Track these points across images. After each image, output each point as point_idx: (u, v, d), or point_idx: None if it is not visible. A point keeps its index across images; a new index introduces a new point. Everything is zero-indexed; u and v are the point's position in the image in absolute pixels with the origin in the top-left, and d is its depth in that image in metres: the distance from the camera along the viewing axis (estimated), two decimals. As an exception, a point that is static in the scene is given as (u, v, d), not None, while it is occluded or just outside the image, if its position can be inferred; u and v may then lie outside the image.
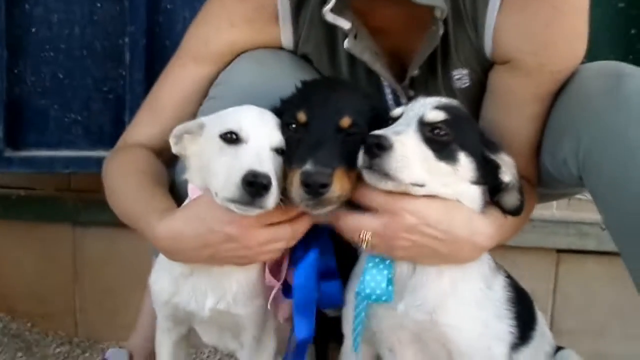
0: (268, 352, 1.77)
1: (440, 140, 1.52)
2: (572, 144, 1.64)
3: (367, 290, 1.56)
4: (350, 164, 1.52)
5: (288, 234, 1.61)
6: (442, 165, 1.52)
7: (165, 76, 1.97)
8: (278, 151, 1.57)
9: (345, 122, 1.57)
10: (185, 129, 1.67)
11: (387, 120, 1.61)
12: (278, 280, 1.67)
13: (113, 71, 2.59)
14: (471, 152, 1.55)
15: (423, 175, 1.50)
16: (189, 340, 1.90)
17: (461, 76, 1.81)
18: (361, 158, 1.49)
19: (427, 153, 1.51)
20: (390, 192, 1.53)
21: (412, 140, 1.50)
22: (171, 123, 1.77)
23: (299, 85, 1.69)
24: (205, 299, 1.67)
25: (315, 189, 1.45)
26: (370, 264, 1.59)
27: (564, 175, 1.71)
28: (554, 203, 2.68)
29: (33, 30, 2.54)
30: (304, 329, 1.64)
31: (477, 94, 1.83)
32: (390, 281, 1.57)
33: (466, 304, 1.58)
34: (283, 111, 1.65)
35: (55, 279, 3.01)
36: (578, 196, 2.62)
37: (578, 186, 1.73)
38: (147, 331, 2.13)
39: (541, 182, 1.83)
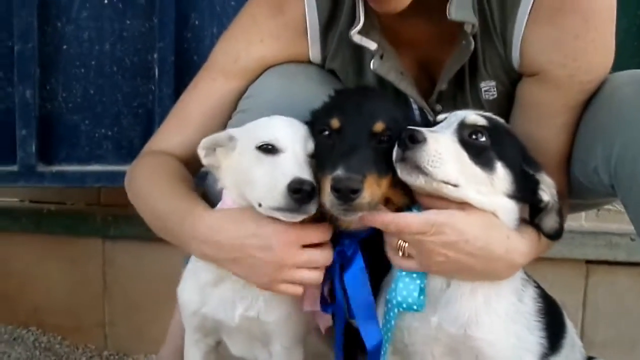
0: None
1: (477, 145, 1.52)
2: (603, 152, 1.64)
3: (399, 298, 1.56)
4: (382, 170, 1.53)
5: (323, 260, 1.61)
6: (477, 171, 1.51)
7: (194, 88, 1.99)
8: (311, 157, 1.60)
9: (379, 127, 1.57)
10: (214, 140, 1.69)
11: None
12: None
13: (142, 86, 2.62)
14: (509, 164, 1.55)
15: (457, 176, 1.49)
16: (219, 353, 1.90)
17: (489, 88, 1.82)
18: (395, 151, 1.50)
19: (462, 155, 1.50)
20: (434, 202, 1.53)
21: (447, 139, 1.50)
22: (197, 135, 1.80)
23: (330, 95, 1.71)
24: (234, 307, 1.69)
25: (345, 194, 1.46)
26: (404, 273, 1.59)
27: (595, 184, 1.70)
28: (583, 214, 2.67)
29: (64, 47, 2.58)
30: (372, 336, 1.61)
31: (504, 106, 1.83)
32: (422, 291, 1.56)
33: (499, 318, 1.58)
34: (314, 121, 1.67)
35: (85, 293, 3.04)
36: (607, 207, 2.62)
37: (609, 195, 1.72)
38: (177, 344, 2.14)
39: (572, 191, 1.82)
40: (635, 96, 1.62)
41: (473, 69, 1.81)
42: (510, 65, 1.77)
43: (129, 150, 2.63)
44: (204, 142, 1.69)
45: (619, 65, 1.76)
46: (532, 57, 1.72)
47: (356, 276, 1.62)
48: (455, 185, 1.50)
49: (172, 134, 1.97)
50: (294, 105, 1.74)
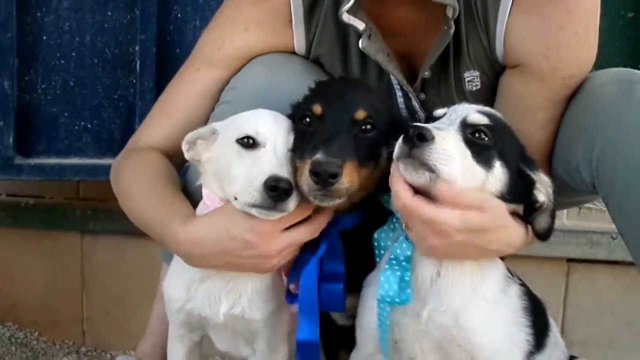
0: (281, 358, 1.76)
1: (480, 144, 1.51)
2: (585, 150, 1.64)
3: (382, 292, 1.55)
4: (362, 158, 1.53)
5: (306, 237, 1.61)
6: (478, 169, 1.50)
7: (179, 79, 1.98)
8: (292, 152, 1.58)
9: (360, 114, 1.58)
10: (198, 134, 1.67)
11: (404, 123, 1.61)
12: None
13: (123, 79, 2.59)
14: (508, 163, 1.54)
15: (460, 174, 1.47)
16: (202, 349, 1.89)
17: (472, 78, 1.82)
18: (399, 148, 1.47)
19: (467, 153, 1.49)
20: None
21: (453, 137, 1.49)
22: (183, 126, 1.80)
23: (312, 85, 1.70)
24: (220, 304, 1.67)
25: (324, 178, 1.45)
26: (386, 266, 1.58)
27: (577, 182, 1.70)
28: (564, 212, 2.68)
29: (44, 38, 2.54)
30: (305, 330, 1.64)
31: (487, 98, 1.83)
32: (407, 283, 1.55)
33: (488, 305, 1.58)
34: (295, 111, 1.67)
35: (63, 288, 3.00)
36: (588, 205, 2.63)
37: (590, 194, 1.73)
38: (157, 338, 2.13)
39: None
40: (616, 96, 1.63)
41: (457, 57, 1.81)
42: (493, 56, 1.78)
43: (109, 144, 2.60)
44: (188, 137, 1.67)
45: (601, 65, 1.78)
46: (515, 46, 1.72)
47: (310, 271, 1.64)
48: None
49: (157, 127, 1.95)
50: (277, 96, 1.73)
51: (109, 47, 2.58)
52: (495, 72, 1.81)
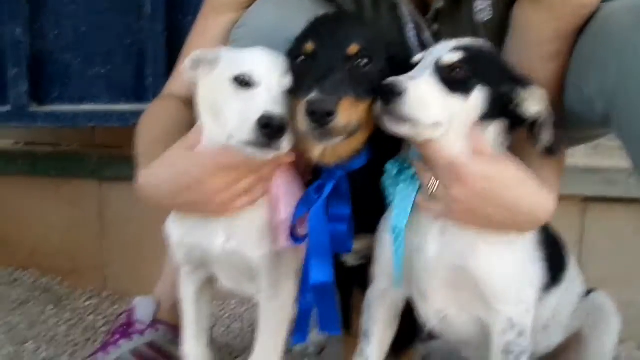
0: (285, 298, 1.75)
1: (456, 79, 1.50)
2: (599, 81, 1.60)
3: (395, 221, 1.57)
4: (360, 93, 1.51)
5: (249, 184, 1.62)
6: (455, 100, 1.49)
7: (194, 30, 2.01)
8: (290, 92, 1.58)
9: (353, 49, 1.55)
10: (203, 56, 1.66)
11: (407, 58, 1.59)
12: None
13: (134, 24, 2.58)
14: (489, 86, 1.52)
15: (442, 114, 1.48)
16: (213, 288, 1.91)
17: (483, 7, 1.78)
18: (377, 106, 1.49)
19: (443, 92, 1.48)
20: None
21: (426, 84, 1.48)
22: None
23: (308, 22, 1.68)
24: (216, 237, 1.68)
25: (320, 117, 1.44)
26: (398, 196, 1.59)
27: (589, 113, 1.67)
28: (579, 150, 2.65)
29: (54, -16, 2.53)
30: (318, 273, 1.64)
31: (499, 30, 1.80)
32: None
33: (496, 246, 1.57)
34: (290, 55, 1.65)
35: (82, 235, 3.04)
36: (604, 142, 2.59)
37: (603, 126, 1.69)
38: (173, 279, 2.16)
39: (565, 123, 1.79)
40: (632, 24, 1.58)
41: None
42: None
43: (122, 89, 2.61)
44: (193, 55, 1.66)
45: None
46: None
47: (319, 210, 1.63)
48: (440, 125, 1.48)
49: (178, 78, 1.98)
50: (285, 33, 1.71)
51: (119, -8, 2.56)
52: (506, 1, 1.77)
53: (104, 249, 3.04)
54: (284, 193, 1.67)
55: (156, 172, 1.67)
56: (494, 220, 1.53)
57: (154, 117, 1.91)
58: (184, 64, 1.67)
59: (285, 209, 1.66)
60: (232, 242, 1.68)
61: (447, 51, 1.53)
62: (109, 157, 2.91)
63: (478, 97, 1.51)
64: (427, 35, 1.86)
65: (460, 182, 1.49)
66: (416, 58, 1.61)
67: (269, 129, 1.46)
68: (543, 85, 1.68)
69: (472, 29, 1.75)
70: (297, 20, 1.75)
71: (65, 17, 2.57)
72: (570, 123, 1.77)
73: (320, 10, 1.83)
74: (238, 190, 1.62)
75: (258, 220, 1.68)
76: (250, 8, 1.89)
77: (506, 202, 1.52)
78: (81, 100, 2.62)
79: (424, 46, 1.88)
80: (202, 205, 1.65)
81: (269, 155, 1.52)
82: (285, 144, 1.50)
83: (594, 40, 1.65)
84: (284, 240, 1.66)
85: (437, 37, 1.86)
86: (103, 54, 2.60)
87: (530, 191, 1.55)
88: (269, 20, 1.82)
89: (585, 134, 1.97)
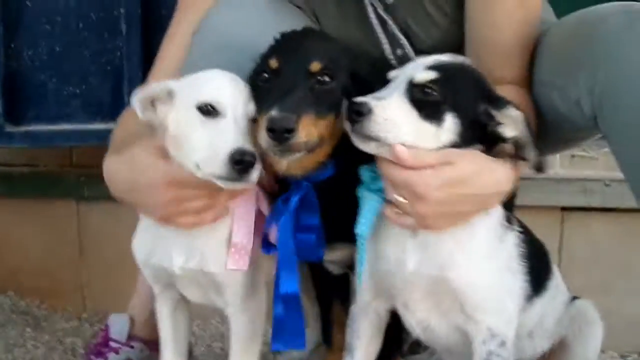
0: (254, 311, 1.75)
1: (428, 101, 1.49)
2: (587, 83, 1.61)
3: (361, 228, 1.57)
4: (320, 111, 1.52)
5: (200, 206, 1.59)
6: (426, 126, 1.48)
7: (166, 38, 2.00)
8: (253, 121, 1.57)
9: (315, 66, 1.56)
10: (151, 94, 1.61)
11: (374, 72, 1.61)
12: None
13: (110, 42, 2.57)
14: (462, 112, 1.50)
15: (411, 137, 1.47)
16: (190, 306, 1.89)
17: None
18: (346, 125, 1.49)
19: (413, 114, 1.48)
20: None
21: (395, 104, 1.48)
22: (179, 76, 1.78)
23: (274, 38, 1.68)
24: (176, 257, 1.67)
25: (280, 133, 1.45)
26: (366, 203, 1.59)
27: (577, 115, 1.68)
28: (557, 160, 2.67)
29: (28, 3, 2.53)
30: (285, 283, 1.64)
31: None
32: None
33: (475, 257, 1.57)
34: (254, 70, 1.66)
35: (62, 255, 3.01)
36: (581, 153, 2.62)
37: (590, 128, 1.70)
38: (146, 294, 2.16)
39: (550, 124, 1.78)
40: (621, 27, 1.59)
41: None
42: None
43: (98, 108, 2.60)
44: (139, 95, 1.60)
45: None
46: None
47: (286, 223, 1.63)
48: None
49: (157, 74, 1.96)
50: (242, 37, 1.72)
51: (94, 11, 2.56)
52: None
53: (83, 269, 3.01)
54: (240, 216, 1.66)
55: (118, 161, 1.65)
56: (468, 212, 1.54)
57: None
58: (135, 105, 1.61)
59: (238, 232, 1.65)
60: (192, 261, 1.66)
61: (422, 69, 1.53)
62: (86, 177, 2.89)
63: (450, 125, 1.50)
64: (390, 23, 1.89)
65: (422, 200, 1.48)
66: (391, 75, 1.61)
67: (241, 165, 1.46)
68: (510, 45, 1.74)
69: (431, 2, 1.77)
70: (254, 23, 1.76)
71: (40, 37, 2.56)
72: (557, 125, 1.78)
73: (278, 11, 1.87)
74: (186, 208, 1.59)
75: (219, 236, 1.66)
76: (207, 12, 1.88)
77: (473, 195, 1.51)
78: (57, 119, 2.60)
79: (384, 23, 1.92)
80: (147, 210, 1.65)
81: (239, 187, 1.51)
82: (255, 176, 1.50)
83: (583, 43, 1.66)
84: (232, 263, 1.65)
85: (394, 12, 1.90)
86: (79, 73, 2.59)
87: (489, 172, 1.53)
88: (227, 24, 1.82)
89: (570, 135, 1.95)
